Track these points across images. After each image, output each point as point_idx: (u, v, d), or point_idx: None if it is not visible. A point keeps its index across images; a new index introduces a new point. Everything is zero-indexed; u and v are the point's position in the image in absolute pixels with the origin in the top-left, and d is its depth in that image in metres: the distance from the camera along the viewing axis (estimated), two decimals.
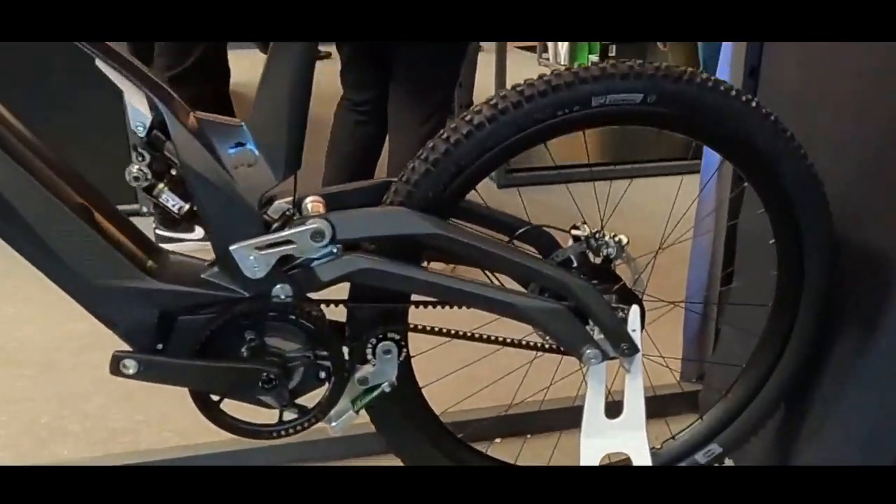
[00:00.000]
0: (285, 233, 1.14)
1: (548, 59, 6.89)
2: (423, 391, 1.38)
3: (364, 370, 1.26)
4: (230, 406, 1.24)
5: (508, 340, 1.31)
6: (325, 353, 1.23)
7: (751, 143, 1.22)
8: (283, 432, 1.25)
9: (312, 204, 1.18)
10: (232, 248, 1.14)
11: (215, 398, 1.23)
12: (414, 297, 1.27)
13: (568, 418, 1.51)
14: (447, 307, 1.26)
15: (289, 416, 1.26)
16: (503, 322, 1.25)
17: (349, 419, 1.28)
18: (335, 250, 1.17)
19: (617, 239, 1.36)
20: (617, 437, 1.30)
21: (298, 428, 1.25)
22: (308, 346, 1.22)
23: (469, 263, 1.23)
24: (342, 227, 1.15)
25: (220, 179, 1.11)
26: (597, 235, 1.34)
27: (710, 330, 1.86)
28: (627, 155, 3.65)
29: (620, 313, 1.28)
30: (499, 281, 1.25)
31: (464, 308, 1.24)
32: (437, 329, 1.28)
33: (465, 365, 1.55)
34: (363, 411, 1.29)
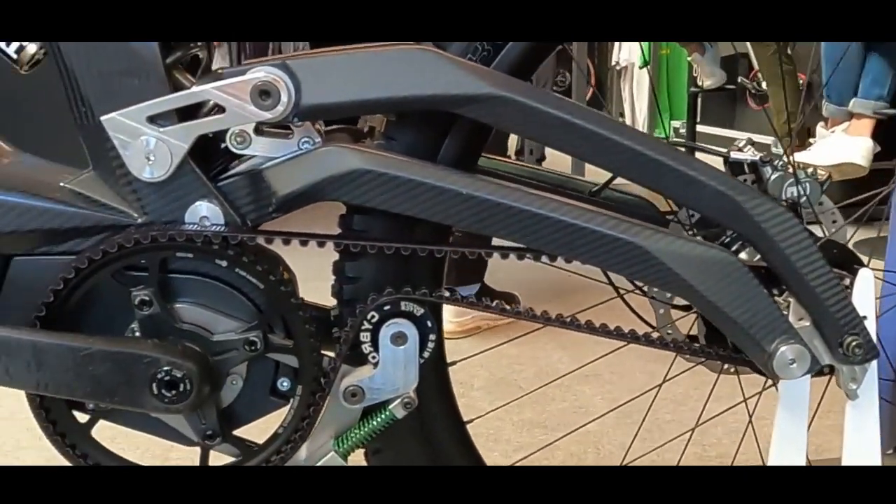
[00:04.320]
0: (201, 87, 0.60)
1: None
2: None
3: (356, 375, 0.68)
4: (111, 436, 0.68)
5: (627, 332, 0.71)
6: (283, 341, 0.67)
7: None
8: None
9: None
10: (103, 118, 0.60)
11: (81, 417, 0.67)
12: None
13: None
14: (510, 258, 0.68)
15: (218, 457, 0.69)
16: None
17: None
18: (307, 139, 0.63)
19: (811, 171, 0.78)
20: None
21: None
22: (252, 327, 0.66)
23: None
24: (312, 82, 0.61)
25: None
26: (777, 163, 0.77)
27: None
28: None
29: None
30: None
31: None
32: (496, 304, 0.70)
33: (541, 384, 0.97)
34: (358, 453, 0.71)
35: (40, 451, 1.45)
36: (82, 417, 0.67)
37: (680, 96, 5.03)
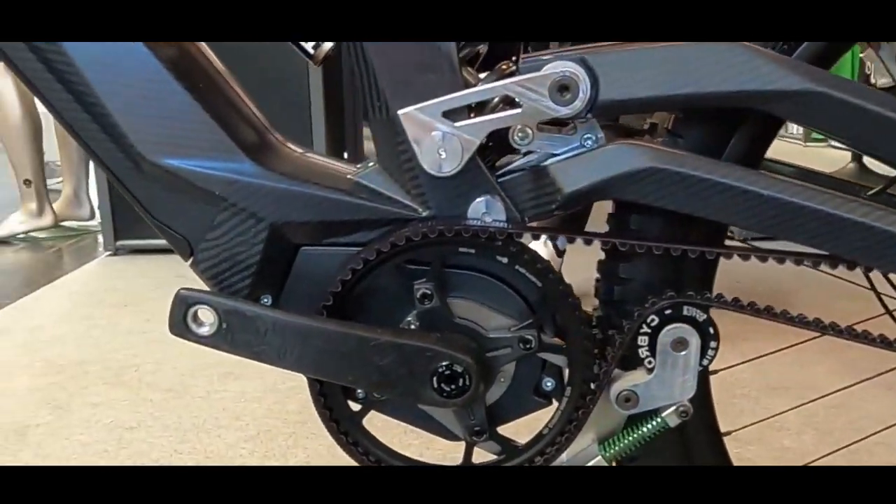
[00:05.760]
0: (500, 82, 0.60)
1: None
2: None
3: (629, 379, 0.66)
4: (382, 428, 0.69)
5: None
6: (555, 340, 0.66)
7: None
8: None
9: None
10: (400, 111, 0.61)
11: (354, 406, 0.69)
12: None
13: None
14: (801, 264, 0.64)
15: (482, 454, 0.69)
16: None
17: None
18: (590, 136, 0.61)
19: None
20: None
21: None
22: (526, 325, 0.65)
23: None
24: (610, 77, 0.59)
25: None
26: None
27: None
28: None
29: None
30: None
31: None
32: (782, 311, 0.66)
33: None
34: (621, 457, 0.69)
35: (237, 431, 1.53)
36: (354, 406, 0.68)
37: None
